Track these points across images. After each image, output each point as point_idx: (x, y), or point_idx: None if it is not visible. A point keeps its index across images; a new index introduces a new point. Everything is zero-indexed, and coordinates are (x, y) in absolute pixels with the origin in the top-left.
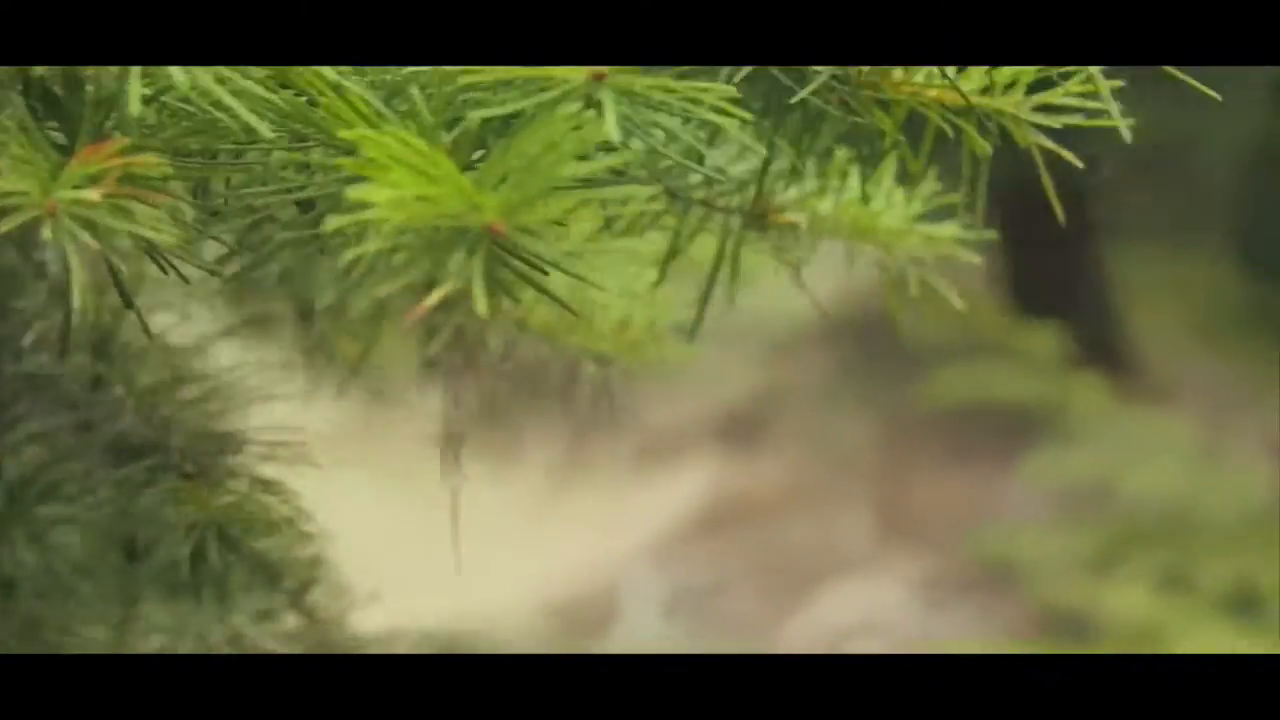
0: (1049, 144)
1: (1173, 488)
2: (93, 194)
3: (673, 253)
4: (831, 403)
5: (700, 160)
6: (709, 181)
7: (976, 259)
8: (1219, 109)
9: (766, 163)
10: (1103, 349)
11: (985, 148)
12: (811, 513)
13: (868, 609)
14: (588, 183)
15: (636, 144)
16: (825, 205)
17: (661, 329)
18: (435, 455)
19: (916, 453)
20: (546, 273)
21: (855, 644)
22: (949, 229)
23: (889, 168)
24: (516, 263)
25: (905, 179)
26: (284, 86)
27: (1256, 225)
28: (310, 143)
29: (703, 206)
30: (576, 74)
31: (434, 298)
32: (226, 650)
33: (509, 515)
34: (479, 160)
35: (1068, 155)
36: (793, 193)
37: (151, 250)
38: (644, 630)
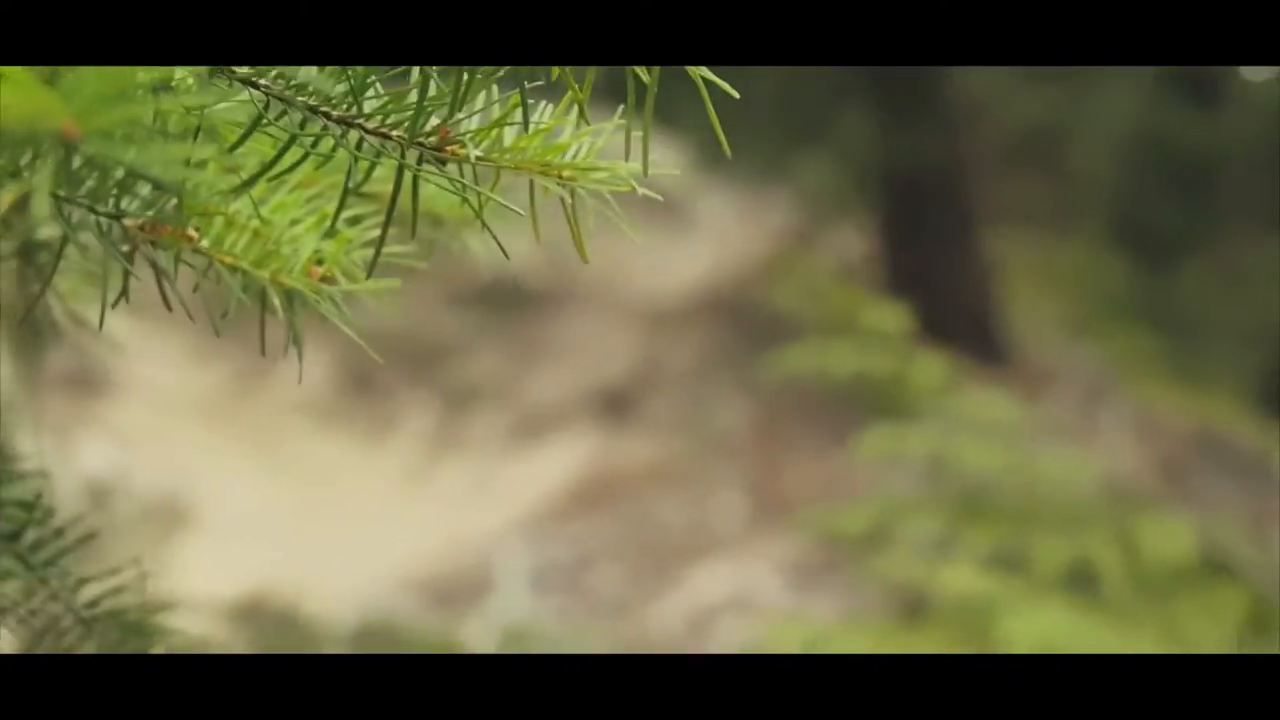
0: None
1: (1004, 465)
2: None
3: (347, 185)
4: (698, 379)
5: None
6: (384, 112)
7: (658, 196)
8: (1100, 99)
9: (423, 87)
10: (969, 330)
11: (650, 80)
12: (679, 488)
13: (735, 585)
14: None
15: None
16: (506, 138)
17: (354, 265)
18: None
19: (773, 425)
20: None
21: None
22: (633, 165)
23: (568, 100)
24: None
25: (580, 111)
26: None
27: (1132, 214)
28: None
29: (377, 138)
30: None
31: (5, 201)
32: None
33: (382, 487)
34: None
35: (726, 86)
36: (474, 124)
37: None
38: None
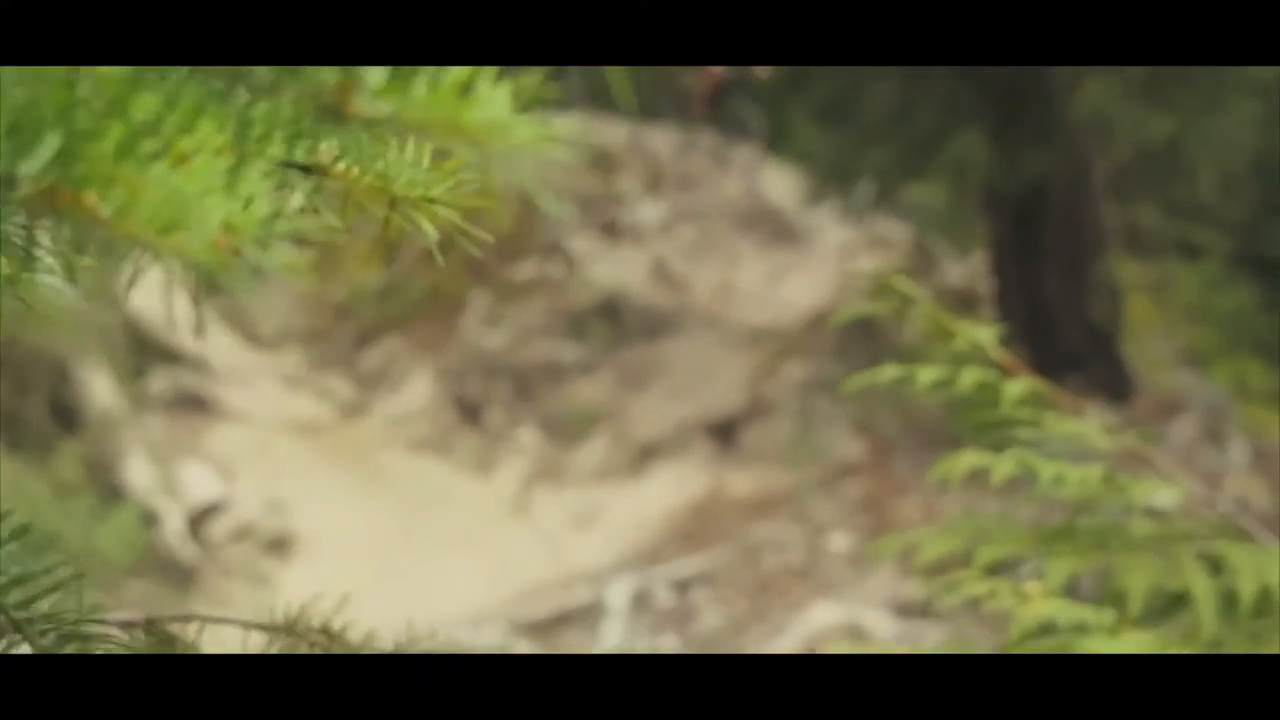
0: None
1: (1095, 492)
2: None
3: (241, 149)
4: (807, 407)
5: None
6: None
7: (568, 155)
8: (1222, 121)
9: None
10: (1089, 358)
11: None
12: (787, 519)
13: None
14: None
15: None
16: (416, 93)
17: (265, 236)
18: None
19: (882, 455)
20: None
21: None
22: (554, 124)
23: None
24: None
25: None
26: None
27: (1254, 241)
28: None
29: (267, 96)
30: None
31: None
32: None
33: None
34: None
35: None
36: (377, 79)
37: None
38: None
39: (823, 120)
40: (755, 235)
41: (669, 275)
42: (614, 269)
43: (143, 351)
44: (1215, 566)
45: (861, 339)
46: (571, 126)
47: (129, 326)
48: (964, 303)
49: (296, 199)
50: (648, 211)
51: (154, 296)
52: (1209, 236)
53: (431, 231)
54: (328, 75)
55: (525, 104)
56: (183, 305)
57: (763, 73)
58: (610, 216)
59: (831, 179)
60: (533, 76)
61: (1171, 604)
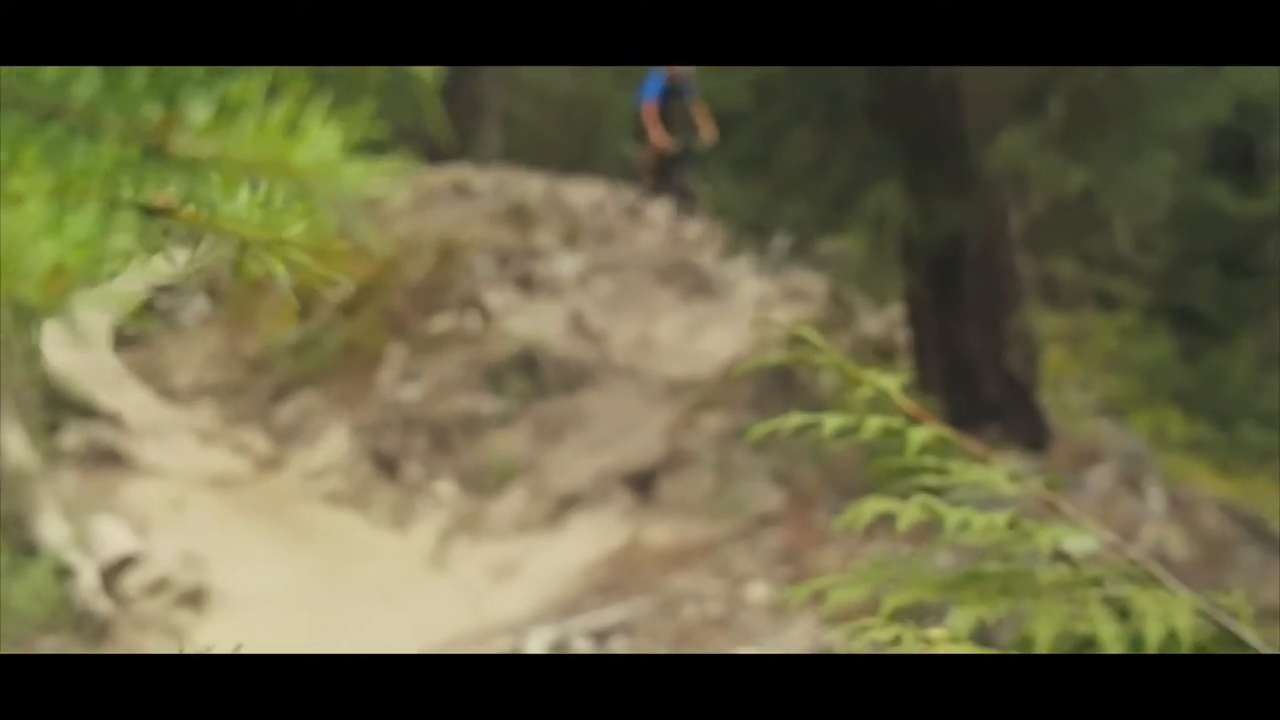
0: None
1: (1000, 538)
2: None
3: (63, 186)
4: (724, 458)
5: None
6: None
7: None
8: (1138, 171)
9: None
10: (1007, 408)
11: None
12: (705, 569)
13: None
14: None
15: None
16: (241, 131)
17: (99, 275)
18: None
19: (798, 504)
20: None
21: None
22: (380, 165)
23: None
24: None
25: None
26: None
27: (1172, 292)
28: None
29: (84, 130)
30: None
31: None
32: None
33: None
34: None
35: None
36: (201, 116)
37: None
38: None
39: (739, 174)
40: (673, 288)
41: (586, 328)
42: (531, 321)
43: (56, 406)
44: (1123, 611)
45: (780, 391)
46: (397, 166)
47: (42, 381)
48: (882, 354)
49: (124, 239)
50: (565, 264)
51: (67, 350)
52: (1126, 287)
53: (284, 275)
54: (150, 111)
55: (353, 144)
56: (97, 359)
57: (707, 138)
58: (527, 269)
59: (748, 232)
60: (361, 114)
61: (1079, 648)
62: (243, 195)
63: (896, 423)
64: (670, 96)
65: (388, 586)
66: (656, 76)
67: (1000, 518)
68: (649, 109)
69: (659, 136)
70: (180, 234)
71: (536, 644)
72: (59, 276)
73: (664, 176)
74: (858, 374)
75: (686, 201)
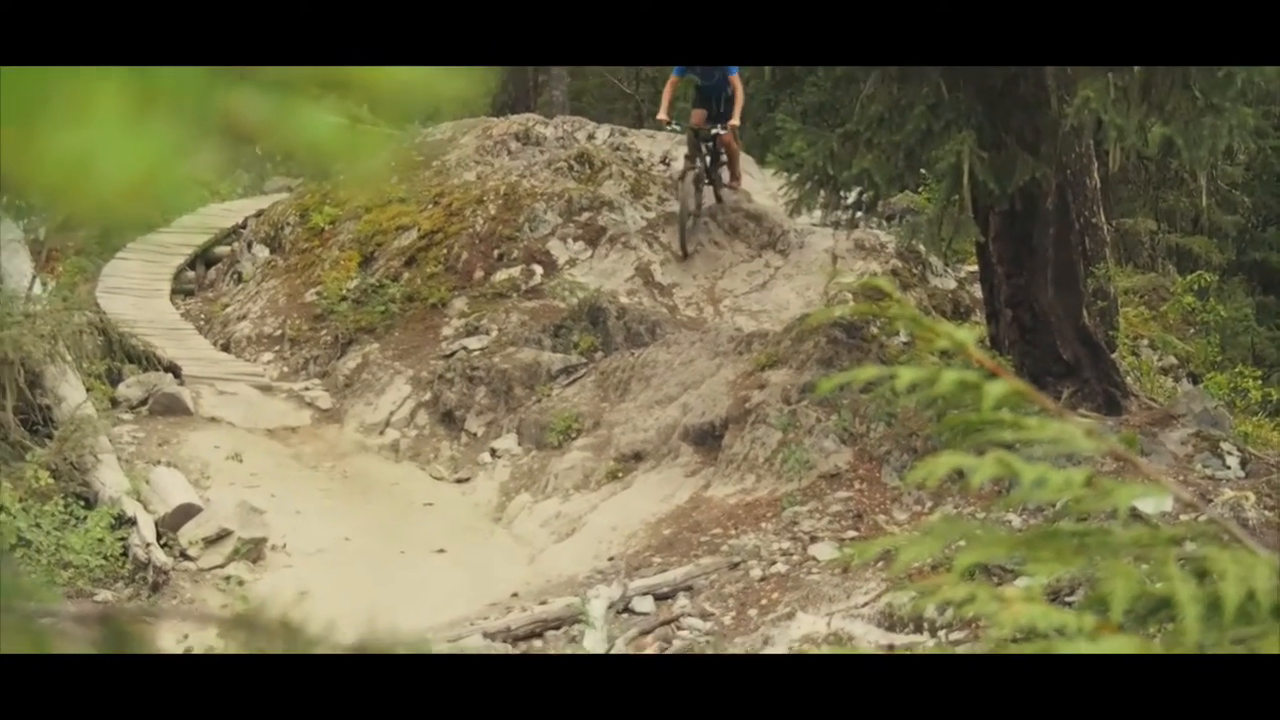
0: None
1: (1076, 495)
2: None
3: (149, 99)
4: (793, 414)
5: None
6: None
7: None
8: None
9: None
10: (1081, 366)
11: None
12: (771, 527)
13: None
14: None
15: None
16: None
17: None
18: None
19: (868, 461)
20: None
21: None
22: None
23: None
24: None
25: None
26: None
27: (1249, 251)
28: None
29: None
30: None
31: None
32: None
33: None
34: None
35: None
36: None
37: None
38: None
39: (808, 123)
40: (742, 241)
41: (653, 280)
42: (597, 274)
43: (115, 356)
44: (1200, 572)
45: (849, 348)
46: (467, 78)
47: (103, 331)
48: (954, 311)
49: (209, 162)
50: (632, 216)
51: (127, 300)
52: (1204, 245)
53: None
54: None
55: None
56: (157, 308)
57: (731, 121)
58: (593, 220)
59: (818, 185)
60: None
61: (1155, 609)
62: (328, 116)
63: (972, 377)
64: (702, 75)
65: (447, 541)
66: None
67: (1078, 475)
68: (671, 82)
69: (663, 110)
70: (258, 162)
71: (597, 604)
72: (139, 192)
73: (695, 149)
74: (933, 327)
75: (701, 181)
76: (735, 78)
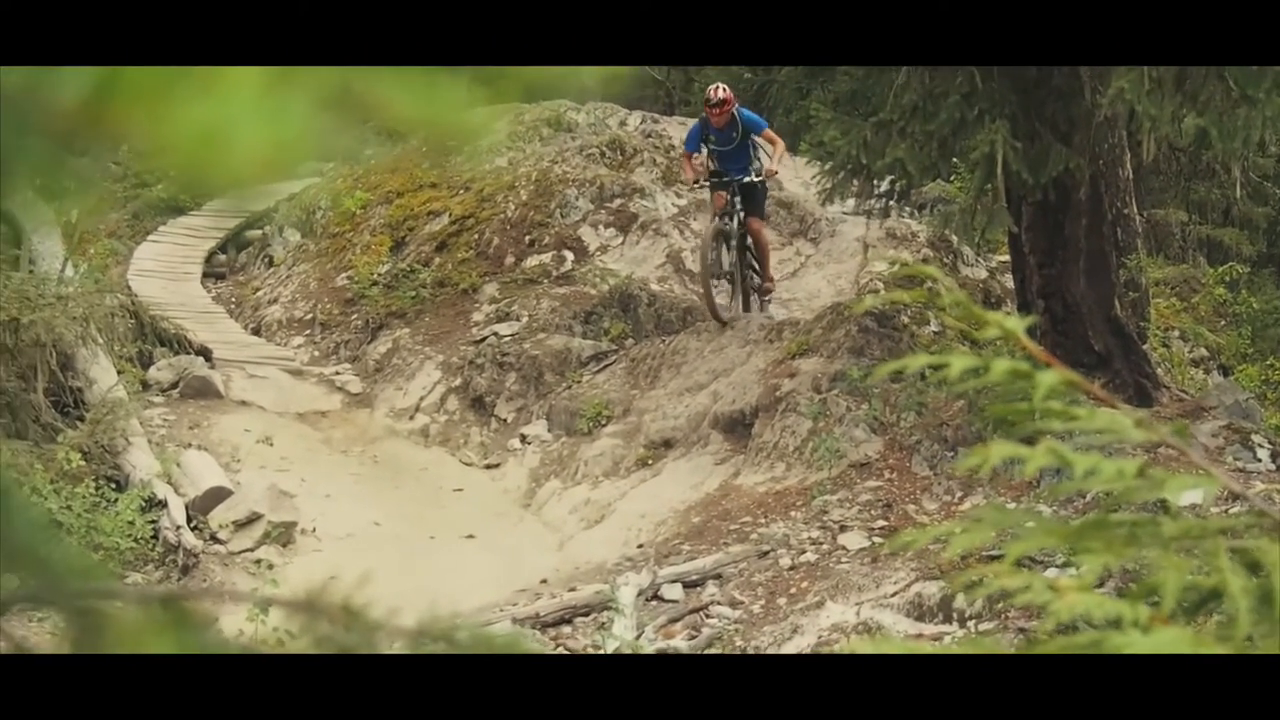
0: None
1: (1127, 486)
2: None
3: (282, 78)
4: (825, 402)
5: None
6: None
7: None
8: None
9: None
10: (1112, 355)
11: None
12: (802, 515)
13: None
14: None
15: None
16: None
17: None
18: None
19: (901, 450)
20: None
21: None
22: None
23: None
24: None
25: None
26: None
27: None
28: None
29: None
30: None
31: None
32: None
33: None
34: None
35: None
36: None
37: None
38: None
39: (840, 112)
40: (774, 229)
41: (685, 267)
42: (628, 260)
43: (146, 338)
44: (1250, 564)
45: (880, 337)
46: None
47: (134, 314)
48: (985, 301)
49: (337, 138)
50: (663, 202)
51: (159, 283)
52: (1236, 237)
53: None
54: None
55: None
56: (188, 291)
57: (763, 173)
58: (625, 207)
59: (850, 175)
60: None
61: (1204, 601)
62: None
63: (1024, 366)
64: (713, 138)
65: (477, 527)
66: (694, 128)
67: (1130, 465)
68: (685, 156)
69: (688, 176)
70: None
71: (626, 592)
72: (271, 165)
73: (724, 209)
74: (983, 315)
75: (730, 239)
76: (769, 132)
